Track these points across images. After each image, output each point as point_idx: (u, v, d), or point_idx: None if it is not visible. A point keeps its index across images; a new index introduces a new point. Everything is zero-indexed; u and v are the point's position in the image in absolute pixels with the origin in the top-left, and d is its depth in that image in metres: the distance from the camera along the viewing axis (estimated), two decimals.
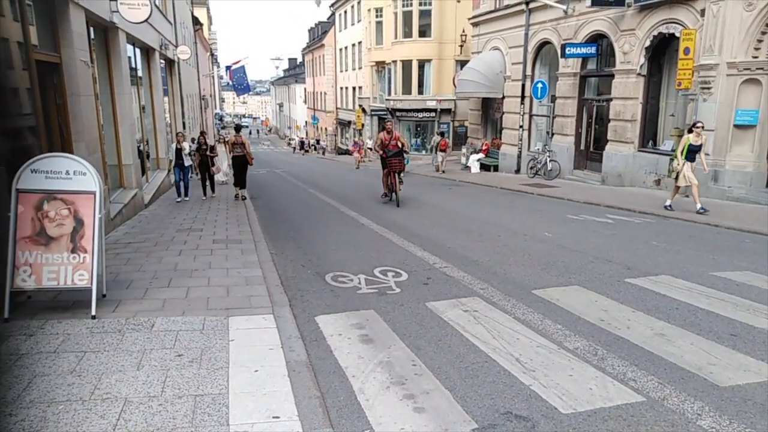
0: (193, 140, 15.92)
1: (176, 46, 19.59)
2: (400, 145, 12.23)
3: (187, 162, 12.77)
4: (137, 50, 13.36)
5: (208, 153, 13.33)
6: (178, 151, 12.53)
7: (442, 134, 24.71)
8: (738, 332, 4.47)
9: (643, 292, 5.57)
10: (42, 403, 3.23)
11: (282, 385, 3.55)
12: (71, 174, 4.81)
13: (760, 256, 7.13)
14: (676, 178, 10.70)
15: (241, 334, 4.39)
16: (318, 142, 50.58)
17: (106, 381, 3.53)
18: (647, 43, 13.92)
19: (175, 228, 9.08)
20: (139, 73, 13.65)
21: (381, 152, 12.36)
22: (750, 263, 6.70)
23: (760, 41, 11.26)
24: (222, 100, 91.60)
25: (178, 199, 12.62)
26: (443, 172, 21.73)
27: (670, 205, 10.88)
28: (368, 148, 34.93)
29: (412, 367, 3.92)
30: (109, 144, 10.18)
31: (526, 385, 3.62)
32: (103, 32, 10.12)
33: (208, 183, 13.53)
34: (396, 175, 12.15)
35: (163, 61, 17.30)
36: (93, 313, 4.59)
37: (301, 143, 41.46)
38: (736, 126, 11.82)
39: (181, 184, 12.79)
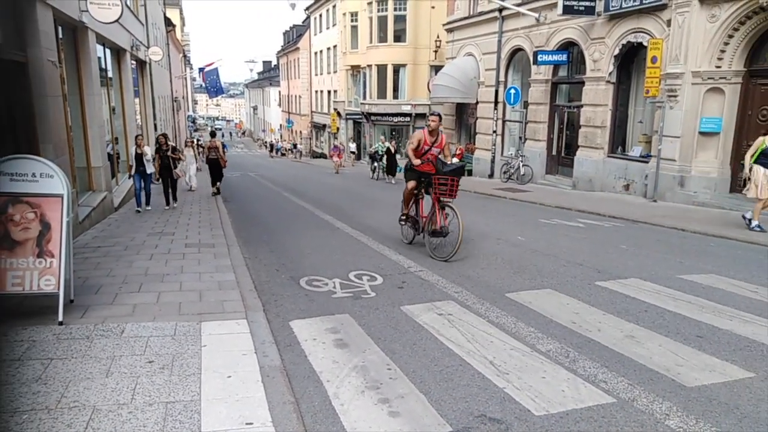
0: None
1: (148, 47, 19.28)
2: (442, 157, 7.63)
3: (149, 169, 11.25)
4: (107, 51, 13.12)
5: (169, 154, 11.87)
6: (139, 156, 11.07)
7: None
8: (704, 334, 4.60)
9: (613, 294, 5.69)
10: (5, 413, 3.12)
11: (255, 391, 3.51)
12: (38, 176, 4.68)
13: (724, 260, 7.35)
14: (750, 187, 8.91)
15: (213, 339, 4.32)
16: (295, 146, 49.99)
17: (73, 389, 3.44)
18: (616, 52, 14.27)
19: (146, 232, 8.91)
20: (110, 74, 13.40)
21: (415, 161, 7.63)
22: (715, 266, 6.90)
23: (722, 51, 11.65)
24: (195, 102, 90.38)
25: (138, 209, 11.27)
26: None
27: (757, 225, 8.97)
28: (351, 152, 33.95)
29: (387, 371, 3.92)
30: (78, 146, 9.95)
31: (499, 388, 3.65)
32: (72, 32, 9.90)
33: (170, 190, 12.09)
34: (438, 203, 7.35)
35: (134, 62, 17.00)
36: (60, 319, 4.46)
37: (271, 146, 35.74)
38: (701, 133, 12.19)
39: (142, 193, 11.34)
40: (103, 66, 12.36)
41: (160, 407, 3.26)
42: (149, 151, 11.45)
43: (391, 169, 21.30)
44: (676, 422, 3.23)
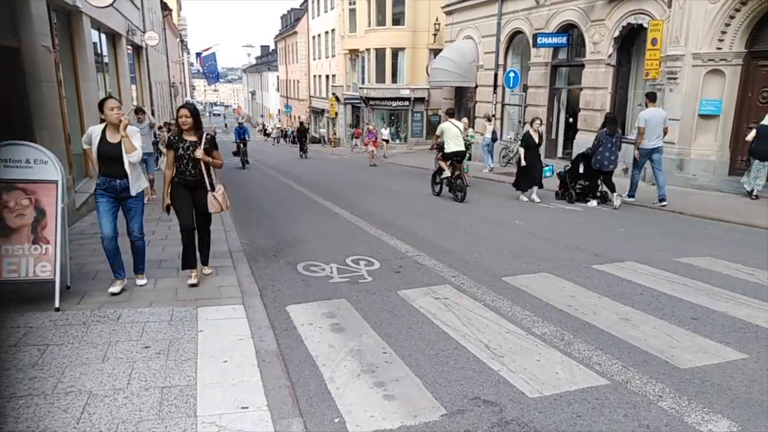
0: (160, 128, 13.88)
1: (144, 32, 19.10)
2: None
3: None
4: (103, 36, 12.97)
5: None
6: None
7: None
8: (699, 316, 4.61)
9: (609, 278, 5.70)
10: (2, 399, 3.15)
11: (251, 376, 3.53)
12: (32, 163, 4.67)
13: (721, 242, 7.36)
14: None
15: (210, 324, 4.34)
16: (285, 134, 47.81)
17: (69, 374, 3.46)
18: (616, 34, 14.13)
19: (144, 218, 8.87)
20: (105, 60, 13.27)
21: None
22: (712, 249, 6.90)
23: (723, 33, 11.52)
24: (193, 87, 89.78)
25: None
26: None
27: None
28: (384, 140, 25.85)
29: (383, 355, 3.94)
30: (74, 132, 9.88)
31: (494, 371, 3.67)
32: (66, 16, 9.79)
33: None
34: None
35: (130, 48, 16.84)
36: (57, 305, 4.48)
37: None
38: (701, 116, 12.12)
39: None
40: (99, 51, 12.24)
41: (155, 392, 3.28)
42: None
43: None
44: (669, 403, 3.25)
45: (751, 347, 4.00)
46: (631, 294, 5.18)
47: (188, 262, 5.36)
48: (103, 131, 4.86)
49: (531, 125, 11.33)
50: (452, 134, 11.26)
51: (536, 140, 11.19)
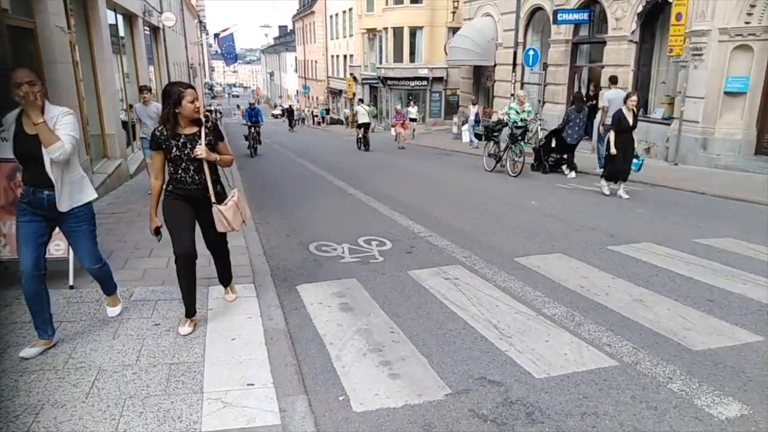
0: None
1: (161, 13, 19.11)
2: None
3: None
4: (119, 17, 13.02)
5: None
6: None
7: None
8: (715, 298, 4.51)
9: (624, 259, 5.59)
10: (14, 373, 3.22)
11: (258, 354, 3.55)
12: None
13: (743, 223, 7.16)
14: None
15: (220, 303, 4.38)
16: (327, 111, 46.71)
17: (80, 350, 3.52)
18: (640, 9, 13.71)
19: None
20: (122, 41, 13.33)
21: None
22: (732, 230, 6.73)
23: (753, 6, 11.09)
24: (212, 69, 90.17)
25: None
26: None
27: None
28: (411, 119, 23.59)
29: (390, 335, 3.93)
30: (91, 113, 10.00)
31: (501, 351, 3.64)
32: None
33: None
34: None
35: (147, 29, 16.88)
36: (71, 283, 4.56)
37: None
38: (726, 93, 11.74)
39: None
40: (115, 32, 12.29)
41: (164, 368, 3.33)
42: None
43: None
44: (679, 385, 3.19)
45: (767, 330, 3.90)
46: (646, 275, 5.08)
47: (188, 307, 3.90)
48: (19, 118, 3.38)
49: (625, 103, 8.94)
50: None
51: (630, 121, 8.79)
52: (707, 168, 11.72)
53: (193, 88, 3.73)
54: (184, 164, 3.73)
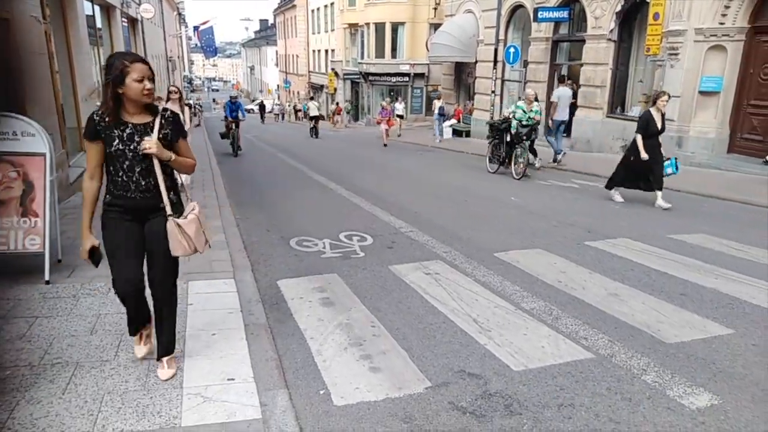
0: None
1: (139, 4, 18.80)
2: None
3: None
4: (96, 7, 12.77)
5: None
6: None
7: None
8: (687, 292, 4.62)
9: (601, 254, 5.70)
10: None
11: (239, 348, 3.54)
12: (19, 135, 4.63)
13: (715, 219, 7.34)
14: None
15: (200, 298, 4.35)
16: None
17: (57, 346, 3.47)
18: (618, 8, 13.89)
19: None
20: (99, 33, 13.09)
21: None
22: (706, 226, 6.89)
23: (727, 7, 11.32)
24: (191, 62, 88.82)
25: None
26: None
27: None
28: (398, 116, 22.85)
29: (371, 329, 3.96)
30: (68, 106, 9.78)
31: (481, 345, 3.69)
32: None
33: None
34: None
35: (125, 20, 16.60)
36: (47, 278, 4.48)
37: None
38: (701, 92, 11.97)
39: None
40: (92, 24, 12.05)
41: (143, 364, 3.30)
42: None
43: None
44: (653, 377, 3.28)
45: (737, 323, 4.01)
46: (621, 270, 5.19)
47: (136, 327, 3.30)
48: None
49: (654, 103, 8.04)
50: None
51: (659, 125, 7.93)
52: (682, 166, 11.92)
53: (146, 63, 2.85)
54: (128, 162, 2.87)
